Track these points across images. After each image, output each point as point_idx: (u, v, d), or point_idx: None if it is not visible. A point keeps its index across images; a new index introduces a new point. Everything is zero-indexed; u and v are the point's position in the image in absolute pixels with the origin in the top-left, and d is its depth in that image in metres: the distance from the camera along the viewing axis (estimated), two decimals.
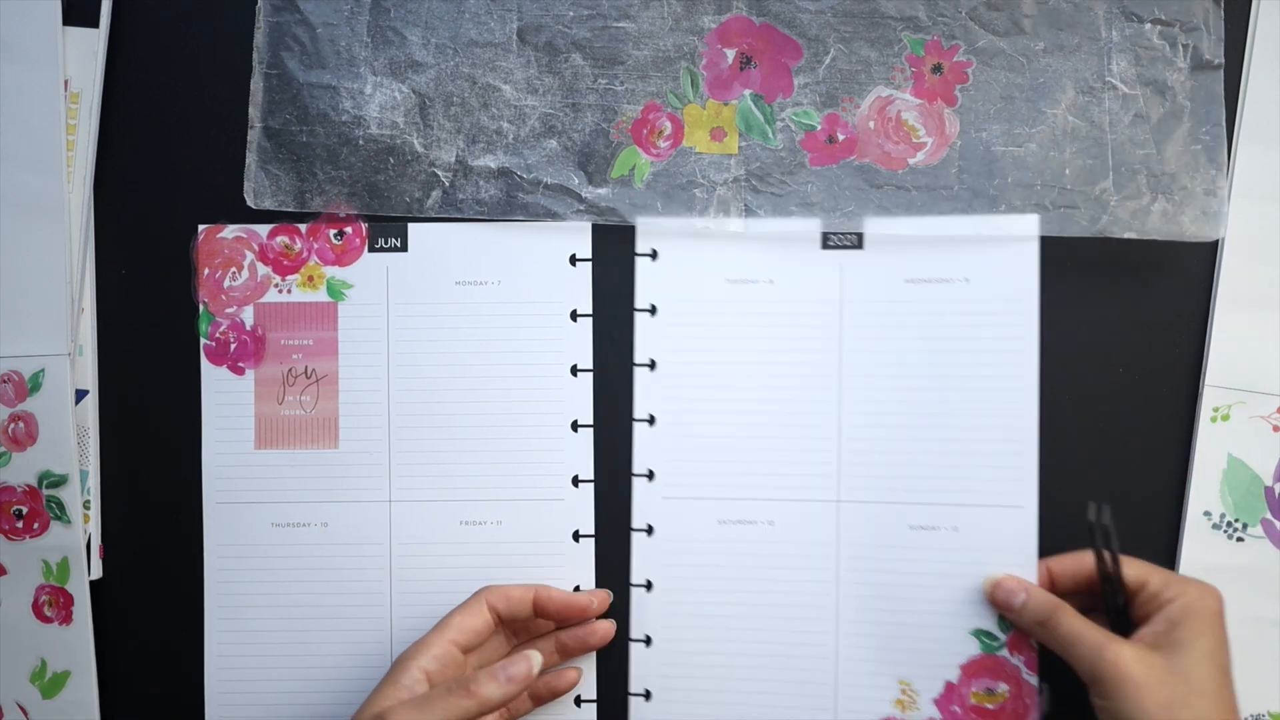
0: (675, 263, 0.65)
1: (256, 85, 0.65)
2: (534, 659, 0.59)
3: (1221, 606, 0.57)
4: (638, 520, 0.65)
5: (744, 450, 0.64)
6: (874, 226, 0.63)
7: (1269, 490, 0.64)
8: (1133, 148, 0.64)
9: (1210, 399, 0.64)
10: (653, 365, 0.64)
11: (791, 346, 0.64)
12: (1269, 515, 0.64)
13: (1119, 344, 0.65)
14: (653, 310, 0.65)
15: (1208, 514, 0.64)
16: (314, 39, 0.65)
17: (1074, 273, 0.65)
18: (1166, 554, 0.64)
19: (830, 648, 0.63)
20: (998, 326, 0.63)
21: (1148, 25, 0.64)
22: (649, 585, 0.64)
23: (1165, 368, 0.65)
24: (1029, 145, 0.64)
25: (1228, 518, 0.64)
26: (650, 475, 0.65)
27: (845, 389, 0.63)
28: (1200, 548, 0.64)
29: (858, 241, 0.63)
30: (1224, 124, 0.64)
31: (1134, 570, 0.59)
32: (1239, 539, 0.64)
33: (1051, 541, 0.63)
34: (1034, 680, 0.62)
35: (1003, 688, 0.62)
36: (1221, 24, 0.64)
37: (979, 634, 0.62)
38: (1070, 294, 0.65)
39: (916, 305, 0.63)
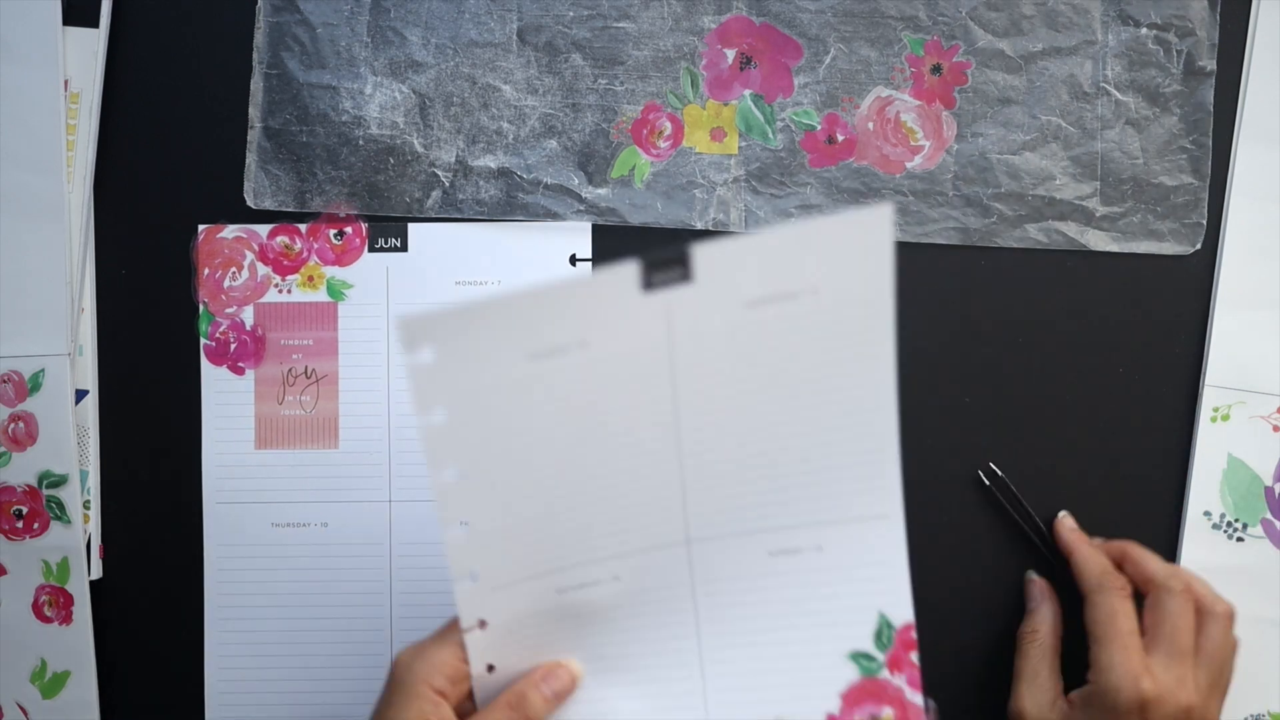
0: (460, 353, 0.50)
1: (256, 85, 0.65)
2: (575, 668, 0.55)
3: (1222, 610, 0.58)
4: (466, 621, 0.54)
5: (573, 515, 0.54)
6: (704, 253, 0.49)
7: (1269, 490, 0.64)
8: (1122, 156, 0.64)
9: (1210, 399, 0.64)
10: (453, 475, 0.52)
11: (619, 415, 0.53)
12: (1269, 515, 0.64)
13: (1119, 344, 0.65)
14: (440, 418, 0.51)
15: (1208, 514, 0.64)
16: (314, 39, 0.65)
17: (1074, 272, 0.65)
18: (1167, 554, 0.64)
19: (699, 698, 0.56)
20: (853, 335, 0.52)
21: (1144, 29, 0.64)
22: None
23: (1165, 368, 0.65)
24: (1024, 154, 0.64)
25: (1228, 518, 0.64)
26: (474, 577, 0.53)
27: (684, 429, 0.53)
28: (1200, 548, 0.64)
29: (685, 275, 0.50)
30: (1210, 134, 0.64)
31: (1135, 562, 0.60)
32: (1239, 539, 0.64)
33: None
34: (919, 700, 0.56)
35: (887, 712, 0.56)
36: (1217, 30, 0.64)
37: (856, 657, 0.56)
38: (1070, 293, 0.65)
39: (754, 329, 0.51)
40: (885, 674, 0.55)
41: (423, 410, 0.51)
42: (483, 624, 0.54)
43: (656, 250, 0.49)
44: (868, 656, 0.55)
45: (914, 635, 0.55)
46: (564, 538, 0.53)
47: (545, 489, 0.53)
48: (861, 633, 0.55)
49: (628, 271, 0.50)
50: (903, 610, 0.55)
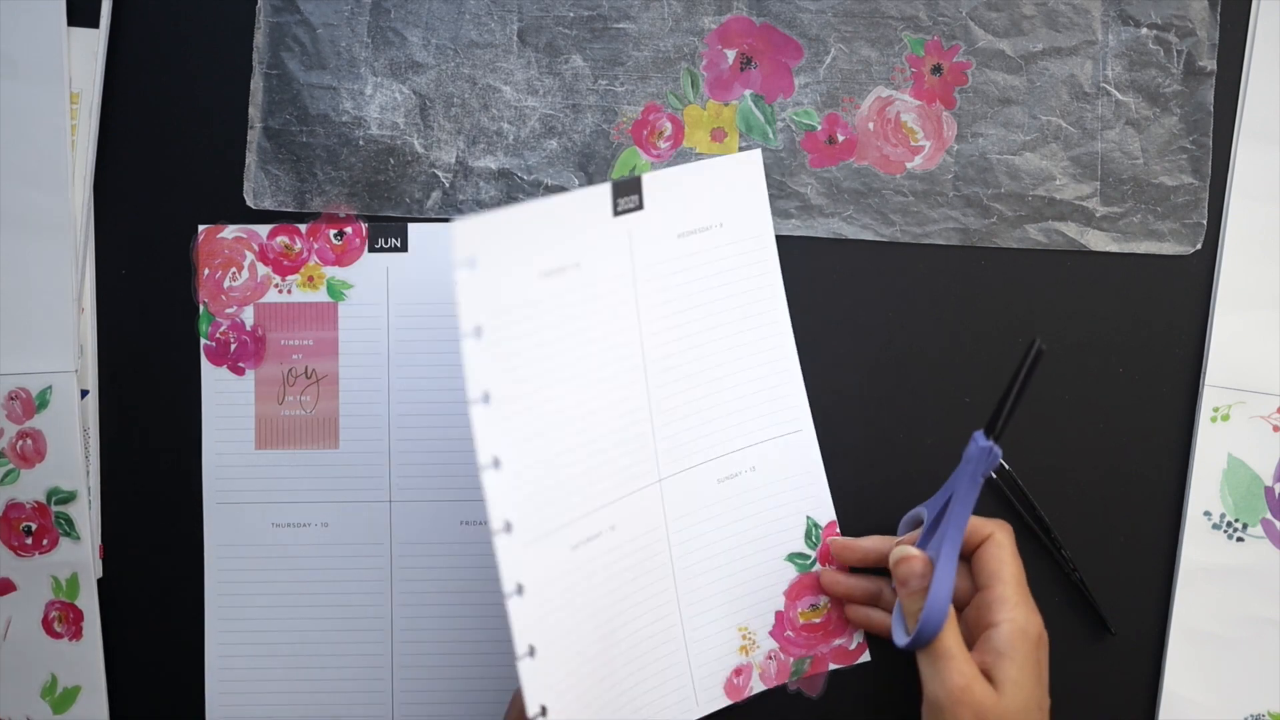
0: (494, 264, 0.52)
1: (256, 85, 0.65)
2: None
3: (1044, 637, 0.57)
4: (508, 586, 0.54)
5: (588, 465, 0.57)
6: (648, 180, 0.59)
7: (1269, 490, 0.64)
8: (1122, 157, 0.64)
9: (1210, 399, 0.64)
10: (486, 399, 0.52)
11: (605, 341, 0.58)
12: (1269, 515, 0.64)
13: (1119, 344, 0.65)
14: (478, 333, 0.52)
15: (1208, 514, 0.64)
16: (314, 39, 0.65)
17: (1074, 272, 0.65)
18: (1166, 554, 0.64)
19: (675, 619, 0.63)
20: (748, 265, 0.63)
21: (1144, 30, 0.64)
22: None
23: (1165, 368, 0.65)
24: (1024, 154, 0.64)
25: (1228, 518, 0.64)
26: (509, 527, 0.54)
27: (650, 369, 0.60)
28: (1200, 548, 0.64)
29: (639, 203, 0.59)
30: (1211, 134, 0.64)
31: (987, 565, 0.58)
32: (1239, 539, 0.64)
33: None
34: None
35: (823, 600, 0.65)
36: (1217, 30, 0.64)
37: (792, 558, 0.65)
38: (1070, 293, 0.65)
39: (687, 260, 0.62)
40: (817, 567, 0.65)
41: (467, 322, 0.51)
42: (520, 589, 0.54)
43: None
44: (802, 556, 0.65)
45: (837, 531, 0.65)
46: (570, 487, 0.57)
47: (561, 419, 0.56)
48: (795, 536, 0.65)
49: (602, 192, 0.57)
50: (825, 511, 0.65)
